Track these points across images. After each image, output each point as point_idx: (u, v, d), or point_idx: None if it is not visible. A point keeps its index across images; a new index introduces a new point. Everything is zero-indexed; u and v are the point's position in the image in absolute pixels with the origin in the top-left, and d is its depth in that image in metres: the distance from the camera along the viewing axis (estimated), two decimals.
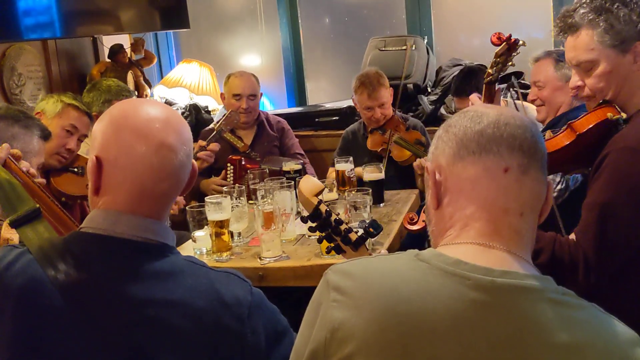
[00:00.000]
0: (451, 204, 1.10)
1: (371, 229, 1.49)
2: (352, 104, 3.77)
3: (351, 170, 3.09)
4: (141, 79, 4.37)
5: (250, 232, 2.60)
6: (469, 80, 3.53)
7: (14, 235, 1.72)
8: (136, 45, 4.48)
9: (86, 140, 2.96)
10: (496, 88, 2.12)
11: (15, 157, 1.94)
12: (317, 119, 4.40)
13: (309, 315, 1.07)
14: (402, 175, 3.42)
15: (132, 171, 1.24)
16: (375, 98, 3.43)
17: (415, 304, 0.97)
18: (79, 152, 2.92)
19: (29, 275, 1.20)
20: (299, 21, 5.00)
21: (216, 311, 1.21)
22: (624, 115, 1.70)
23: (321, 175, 3.52)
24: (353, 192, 2.58)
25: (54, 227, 1.34)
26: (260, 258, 2.30)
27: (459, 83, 3.63)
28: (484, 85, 2.00)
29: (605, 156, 1.62)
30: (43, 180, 2.07)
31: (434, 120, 4.10)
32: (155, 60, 4.71)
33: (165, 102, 4.55)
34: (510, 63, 1.96)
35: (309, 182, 1.52)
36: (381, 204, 2.94)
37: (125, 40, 4.51)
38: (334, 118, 4.35)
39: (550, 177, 2.39)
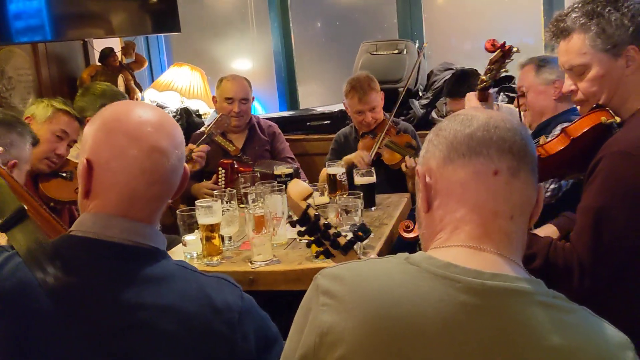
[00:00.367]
0: (441, 207, 1.10)
1: (360, 233, 1.49)
2: (344, 108, 3.77)
3: (342, 173, 3.08)
4: (132, 82, 4.36)
5: (241, 236, 2.59)
6: (463, 82, 3.54)
7: (1, 239, 1.71)
8: (127, 49, 4.47)
9: (75, 145, 2.95)
10: (488, 92, 2.13)
11: (9, 165, 1.94)
12: (308, 123, 4.40)
13: (299, 319, 1.07)
14: (393, 179, 3.42)
15: (123, 174, 1.23)
16: (366, 102, 3.43)
17: (405, 307, 0.96)
18: (68, 157, 2.91)
19: (18, 279, 1.19)
20: (290, 25, 5.00)
21: (207, 316, 1.20)
22: (617, 119, 1.70)
23: (312, 179, 3.52)
24: (344, 196, 2.58)
25: (42, 231, 1.33)
26: (251, 262, 2.29)
27: (452, 85, 3.63)
28: (478, 91, 2.01)
29: (599, 160, 1.62)
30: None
31: (425, 124, 4.11)
32: (146, 63, 4.71)
33: (157, 106, 4.53)
34: (503, 70, 1.97)
35: (298, 186, 1.52)
36: (372, 208, 2.93)
37: (115, 43, 4.50)
38: (326, 122, 4.35)
39: None
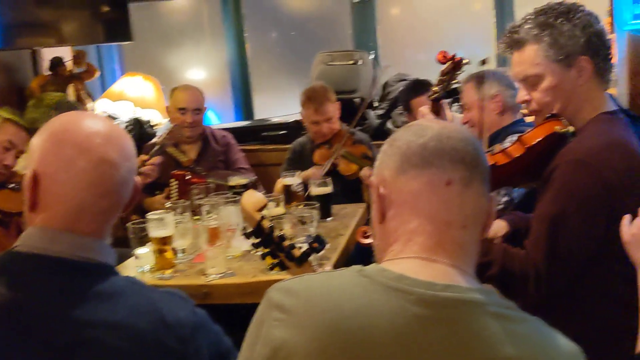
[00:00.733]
0: (395, 218, 1.09)
1: (315, 244, 1.47)
2: (299, 118, 3.76)
3: (298, 184, 3.07)
4: (83, 92, 4.27)
5: (195, 248, 2.54)
6: (417, 94, 3.56)
7: None
8: (77, 58, 4.38)
9: (23, 156, 2.87)
10: (441, 103, 2.15)
11: None
12: (263, 133, 4.39)
13: (251, 335, 1.05)
14: (349, 190, 3.42)
15: (71, 187, 1.21)
16: (322, 113, 3.43)
17: (358, 321, 0.96)
18: (15, 168, 2.82)
19: None
20: (245, 35, 4.98)
21: (158, 332, 1.18)
22: (571, 129, 1.73)
23: (268, 190, 3.49)
24: (300, 207, 2.56)
25: None
26: (204, 275, 2.25)
27: (406, 97, 3.65)
28: (430, 102, 2.03)
29: (554, 169, 1.65)
30: None
31: (381, 134, 4.13)
32: (98, 73, 4.62)
33: (108, 116, 4.46)
34: (455, 81, 1.99)
35: (252, 197, 1.50)
36: (328, 219, 2.92)
37: (66, 52, 4.41)
38: (281, 132, 4.34)
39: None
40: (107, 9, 4.26)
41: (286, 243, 1.46)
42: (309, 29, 5.00)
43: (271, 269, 1.54)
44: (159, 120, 4.69)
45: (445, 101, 2.22)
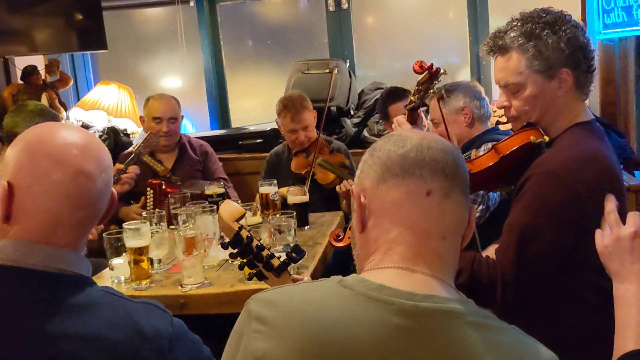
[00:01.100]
0: (375, 227, 1.10)
1: (294, 254, 1.47)
2: (276, 127, 3.75)
3: (275, 193, 3.06)
4: (56, 101, 4.23)
5: (171, 258, 2.53)
6: (394, 100, 3.58)
7: None
8: (51, 67, 4.34)
9: None
10: (418, 112, 2.16)
11: None
12: (240, 142, 4.36)
13: (230, 347, 1.04)
14: (327, 198, 3.43)
15: (46, 199, 1.19)
16: (299, 121, 3.43)
17: (338, 332, 0.95)
18: None
19: None
20: (221, 43, 4.97)
21: (135, 344, 1.17)
22: (546, 139, 1.75)
23: (245, 198, 3.48)
24: (277, 216, 2.55)
25: None
26: (181, 285, 2.23)
27: (383, 104, 3.67)
28: (407, 112, 2.04)
29: (527, 179, 1.66)
30: None
31: (358, 142, 4.15)
32: (72, 82, 4.58)
33: (82, 125, 4.41)
34: (431, 90, 2.00)
35: (230, 207, 1.49)
36: (306, 227, 2.92)
37: (39, 61, 4.36)
38: (258, 140, 4.32)
39: (471, 196, 2.45)
40: (80, 17, 4.23)
41: (265, 253, 1.46)
42: (285, 37, 5.00)
43: (249, 278, 1.54)
44: (134, 129, 4.66)
45: (422, 110, 2.23)
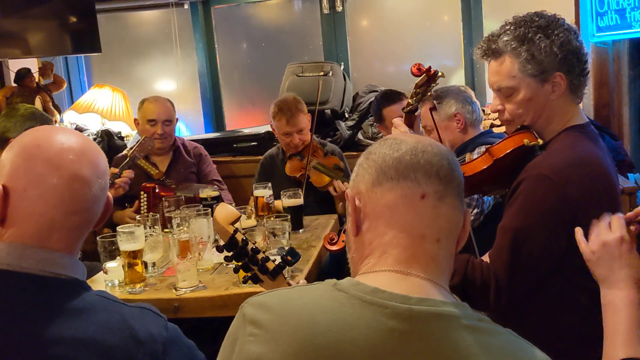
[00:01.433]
0: (370, 230, 1.10)
1: (289, 257, 1.47)
2: (270, 129, 3.75)
3: (270, 196, 3.06)
4: (50, 104, 4.22)
5: (165, 262, 2.52)
6: (389, 103, 3.58)
7: None
8: (44, 70, 4.32)
9: None
10: (415, 115, 2.16)
11: None
12: (235, 145, 4.36)
13: (225, 349, 1.04)
14: (321, 201, 3.42)
15: (41, 203, 1.19)
16: (294, 124, 3.43)
17: (333, 336, 0.95)
18: None
19: None
20: (216, 46, 4.97)
21: (129, 349, 1.17)
22: (540, 142, 1.75)
23: (239, 201, 3.47)
24: (271, 219, 2.55)
25: None
26: (175, 289, 2.23)
27: (378, 106, 3.67)
28: (404, 114, 2.04)
29: (520, 182, 1.67)
30: None
31: (352, 145, 4.15)
32: (65, 85, 4.56)
33: (76, 128, 4.40)
34: (429, 93, 2.00)
35: (225, 210, 1.49)
36: (300, 230, 2.92)
37: (32, 64, 4.35)
38: (252, 143, 4.32)
39: (466, 200, 2.46)
40: (74, 20, 4.22)
41: (260, 256, 1.45)
42: (279, 40, 5.00)
43: (244, 282, 1.53)
44: (128, 132, 4.65)
45: (418, 113, 2.23)
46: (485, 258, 1.75)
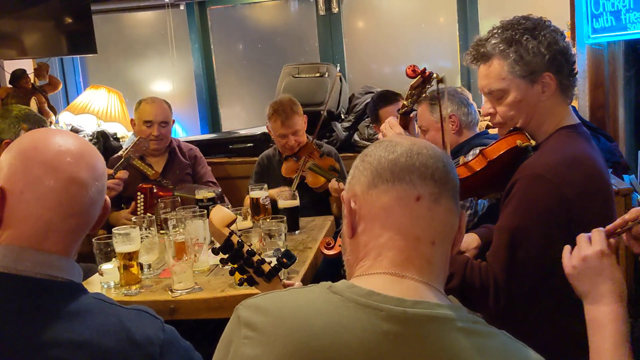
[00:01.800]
0: (365, 232, 1.10)
1: (284, 260, 1.47)
2: (267, 131, 3.75)
3: (266, 197, 3.06)
4: (45, 105, 4.21)
5: (161, 263, 2.52)
6: (385, 104, 3.58)
7: None
8: (40, 71, 4.32)
9: None
10: (410, 117, 2.16)
11: None
12: (231, 146, 4.36)
13: (220, 353, 1.04)
14: (317, 202, 3.42)
15: (38, 205, 1.19)
16: (289, 126, 3.43)
17: (328, 338, 0.95)
18: None
19: None
20: (212, 47, 4.97)
21: (126, 351, 1.16)
22: (533, 143, 1.76)
23: (235, 203, 3.47)
24: (267, 220, 2.55)
25: None
26: (171, 290, 2.22)
27: (374, 107, 3.67)
28: (400, 116, 2.04)
29: (514, 183, 1.67)
30: None
31: (348, 146, 4.15)
32: (61, 86, 4.56)
33: (72, 129, 4.39)
34: (424, 95, 2.01)
35: (220, 213, 1.49)
36: (296, 232, 2.92)
37: (28, 65, 4.34)
38: (248, 145, 4.32)
39: (460, 202, 2.46)
40: (70, 21, 4.22)
41: (255, 258, 1.45)
42: (275, 41, 5.00)
43: (240, 284, 1.53)
44: (124, 133, 4.64)
45: (414, 113, 2.24)
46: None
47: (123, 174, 3.11)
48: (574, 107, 1.87)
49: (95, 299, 1.22)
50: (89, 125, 4.57)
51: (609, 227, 1.38)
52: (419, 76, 1.94)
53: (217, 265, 2.46)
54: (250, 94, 5.07)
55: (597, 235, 1.36)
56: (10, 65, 4.18)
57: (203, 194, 3.04)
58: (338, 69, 4.37)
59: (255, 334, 0.98)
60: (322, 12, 4.74)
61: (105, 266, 2.33)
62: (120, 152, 3.46)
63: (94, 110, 4.58)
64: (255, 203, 3.03)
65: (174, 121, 3.64)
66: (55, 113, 4.35)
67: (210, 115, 5.03)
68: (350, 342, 0.95)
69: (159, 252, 2.50)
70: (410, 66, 1.96)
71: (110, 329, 1.17)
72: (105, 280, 2.32)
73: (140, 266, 2.36)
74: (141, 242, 2.34)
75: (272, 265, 1.46)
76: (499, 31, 1.75)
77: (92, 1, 4.29)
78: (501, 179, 1.78)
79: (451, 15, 4.64)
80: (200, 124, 5.05)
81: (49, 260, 1.20)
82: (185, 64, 5.01)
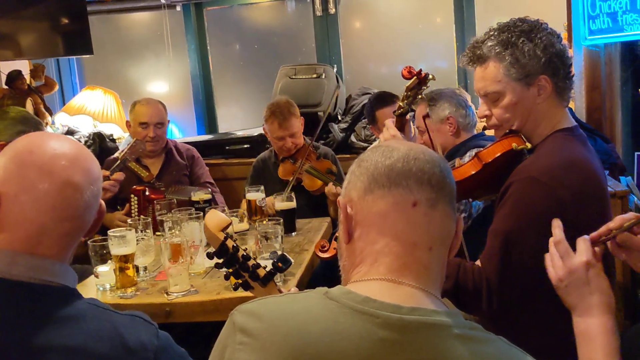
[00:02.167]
0: (362, 238, 1.09)
1: (280, 264, 1.46)
2: (263, 132, 3.74)
3: (262, 199, 3.05)
4: (41, 106, 4.20)
5: (157, 266, 2.51)
6: (382, 105, 3.57)
7: None
8: (36, 72, 4.31)
9: None
10: (406, 118, 2.16)
11: None
12: (227, 147, 4.35)
13: (214, 357, 1.03)
14: (314, 204, 3.41)
15: (32, 209, 1.18)
16: (286, 128, 3.42)
17: (324, 345, 0.95)
18: None
19: None
20: (208, 47, 4.96)
21: (119, 357, 1.16)
22: (528, 145, 1.76)
23: (232, 204, 3.46)
24: (264, 222, 2.54)
25: None
26: (167, 293, 2.21)
27: (371, 108, 3.67)
28: (396, 117, 2.04)
29: (509, 185, 1.67)
30: None
31: (345, 147, 4.15)
32: (57, 87, 4.55)
33: (68, 130, 4.38)
34: (420, 96, 2.01)
35: (215, 217, 1.48)
36: (293, 234, 2.91)
37: (24, 65, 4.33)
38: (245, 146, 4.31)
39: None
40: (66, 22, 4.21)
41: (250, 263, 1.44)
42: (272, 42, 4.99)
43: (235, 288, 1.52)
44: (120, 134, 4.63)
45: (410, 115, 2.23)
46: (478, 263, 1.75)
47: (119, 175, 3.09)
48: (570, 109, 1.86)
49: (90, 305, 1.22)
50: (85, 126, 4.55)
51: (593, 234, 1.35)
52: (415, 77, 1.94)
53: (213, 267, 2.44)
54: (247, 95, 5.06)
55: (583, 244, 1.33)
56: (6, 67, 4.17)
57: (199, 195, 3.03)
58: (335, 69, 4.37)
59: (250, 339, 0.97)
60: (319, 13, 4.73)
61: (101, 268, 2.32)
62: (116, 154, 3.45)
63: (90, 111, 4.57)
64: (251, 205, 3.03)
65: (169, 122, 3.63)
66: (51, 114, 4.34)
67: (206, 116, 5.02)
68: (347, 349, 0.94)
69: (155, 254, 2.49)
70: (406, 67, 1.95)
71: (104, 334, 1.17)
72: (100, 283, 2.31)
73: (136, 268, 2.35)
74: (137, 244, 2.34)
75: (268, 269, 1.45)
76: (495, 33, 1.74)
77: (88, 2, 4.29)
78: (496, 181, 1.77)
79: (448, 15, 4.64)
80: (196, 125, 5.04)
81: (43, 265, 1.19)
82: (182, 65, 5.00)
